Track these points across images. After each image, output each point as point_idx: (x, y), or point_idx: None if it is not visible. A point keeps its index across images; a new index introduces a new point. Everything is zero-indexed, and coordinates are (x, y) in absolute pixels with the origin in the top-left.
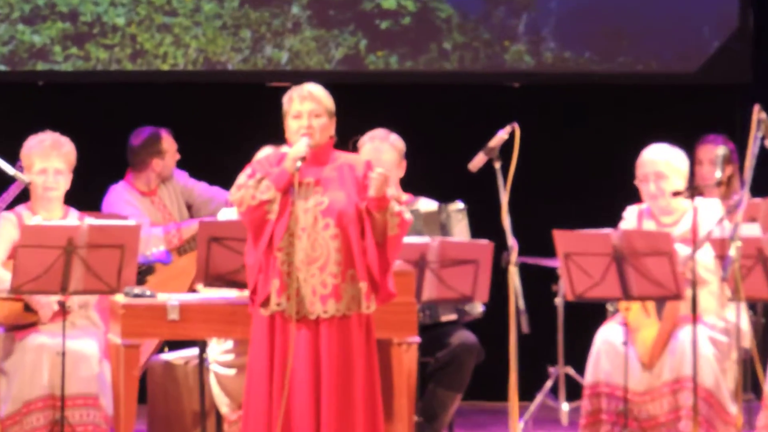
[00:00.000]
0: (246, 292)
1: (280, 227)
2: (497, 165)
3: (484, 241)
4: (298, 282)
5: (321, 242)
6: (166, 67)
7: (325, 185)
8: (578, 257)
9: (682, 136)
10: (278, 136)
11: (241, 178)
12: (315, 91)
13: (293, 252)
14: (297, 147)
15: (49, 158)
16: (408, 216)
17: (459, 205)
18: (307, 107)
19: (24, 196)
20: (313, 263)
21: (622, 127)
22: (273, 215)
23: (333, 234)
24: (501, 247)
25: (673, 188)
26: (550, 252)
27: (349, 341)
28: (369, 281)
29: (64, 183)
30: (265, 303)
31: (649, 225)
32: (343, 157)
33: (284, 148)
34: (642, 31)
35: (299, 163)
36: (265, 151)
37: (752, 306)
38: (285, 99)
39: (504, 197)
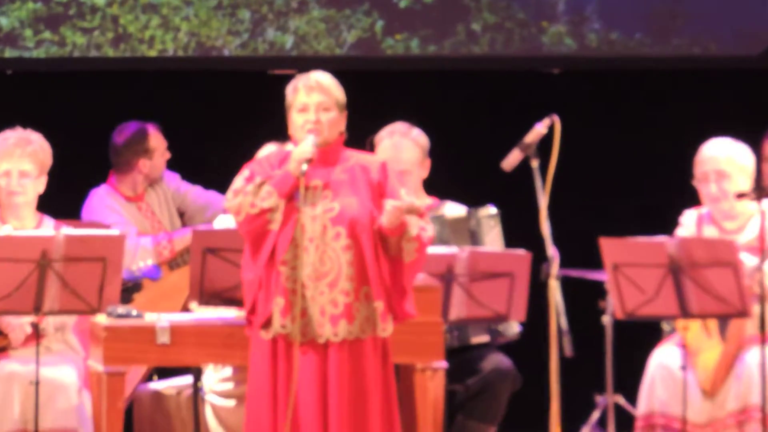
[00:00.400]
0: None
1: (283, 238)
2: (534, 163)
3: (521, 251)
4: (304, 300)
5: (331, 255)
6: (152, 54)
7: (335, 189)
8: (629, 269)
9: (747, 128)
10: (283, 132)
11: (238, 181)
12: (323, 80)
13: (299, 266)
14: (302, 146)
15: (12, 158)
16: (429, 233)
17: (491, 209)
18: (315, 99)
19: None
20: (322, 279)
21: (677, 120)
22: (275, 225)
23: (344, 245)
24: (540, 258)
25: (737, 189)
26: (596, 263)
27: (363, 368)
28: (386, 300)
29: (32, 187)
30: (267, 325)
31: (710, 231)
32: (355, 156)
33: (288, 146)
34: (699, 8)
35: (305, 166)
36: (268, 149)
37: None
38: (289, 89)
39: (543, 200)
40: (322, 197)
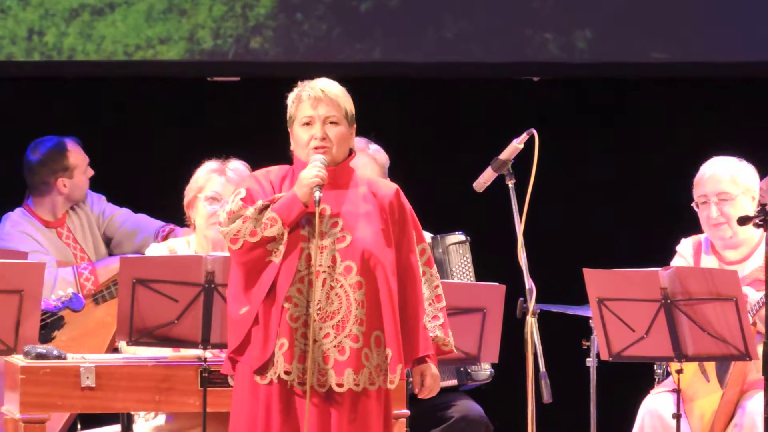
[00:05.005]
0: (184, 351)
1: (286, 271)
2: (510, 183)
3: (494, 284)
4: (305, 342)
5: (339, 292)
6: None
7: (347, 217)
8: (616, 304)
9: (753, 145)
10: (225, 144)
11: (235, 202)
12: (330, 89)
13: (301, 304)
14: (312, 169)
15: None
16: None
17: (460, 236)
18: (321, 111)
19: None
20: (328, 320)
21: (676, 135)
22: (277, 256)
23: (355, 282)
24: (515, 292)
25: (740, 213)
26: (579, 298)
27: (368, 423)
28: (396, 347)
29: None
30: (262, 369)
31: (709, 261)
32: (366, 179)
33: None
34: (708, 14)
35: (319, 192)
36: (209, 166)
37: None
38: (291, 99)
39: (519, 226)
40: (330, 225)
